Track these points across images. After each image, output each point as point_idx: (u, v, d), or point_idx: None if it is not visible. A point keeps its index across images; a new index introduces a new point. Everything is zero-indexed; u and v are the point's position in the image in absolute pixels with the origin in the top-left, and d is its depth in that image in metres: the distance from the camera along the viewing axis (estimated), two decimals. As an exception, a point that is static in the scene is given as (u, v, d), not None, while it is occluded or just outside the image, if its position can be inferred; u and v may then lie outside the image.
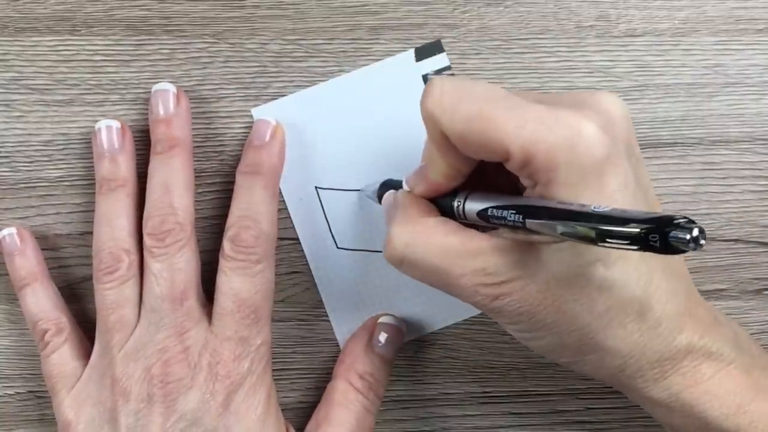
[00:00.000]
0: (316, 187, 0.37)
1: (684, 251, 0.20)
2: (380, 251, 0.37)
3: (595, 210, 0.23)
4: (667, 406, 0.29)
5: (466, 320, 0.38)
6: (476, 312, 0.38)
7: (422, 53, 0.37)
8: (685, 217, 0.20)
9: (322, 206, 0.37)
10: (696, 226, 0.20)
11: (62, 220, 0.37)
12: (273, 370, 0.36)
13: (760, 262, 0.38)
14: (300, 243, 0.37)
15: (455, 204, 0.29)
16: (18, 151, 0.37)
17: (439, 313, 0.38)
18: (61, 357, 0.35)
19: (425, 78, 0.37)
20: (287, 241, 0.37)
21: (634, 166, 0.27)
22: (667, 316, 0.28)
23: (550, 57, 0.37)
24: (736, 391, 0.29)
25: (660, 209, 0.29)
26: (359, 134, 0.37)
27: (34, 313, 0.35)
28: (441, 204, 0.30)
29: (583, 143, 0.25)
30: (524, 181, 0.27)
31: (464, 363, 0.38)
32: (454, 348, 0.38)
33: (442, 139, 0.27)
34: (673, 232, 0.20)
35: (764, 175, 0.37)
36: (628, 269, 0.27)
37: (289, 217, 0.37)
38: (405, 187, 0.31)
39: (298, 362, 0.38)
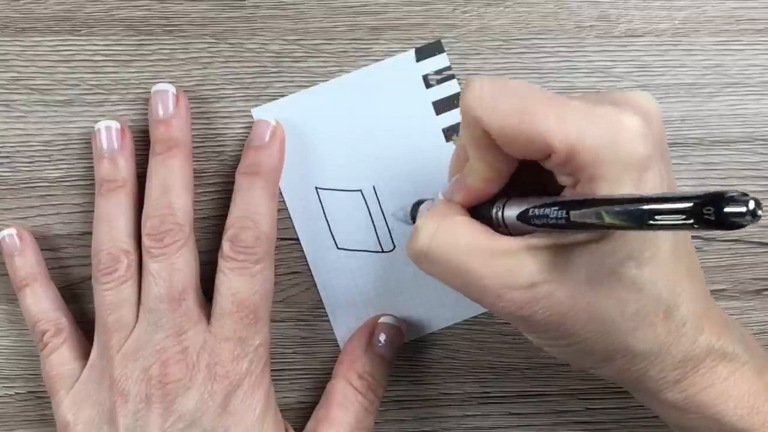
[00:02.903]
0: (316, 187, 0.37)
1: (741, 226, 0.19)
2: (380, 251, 0.37)
3: (644, 195, 0.22)
4: (682, 408, 0.29)
5: (466, 320, 0.38)
6: (476, 312, 0.38)
7: (422, 53, 0.37)
8: (738, 191, 0.20)
9: (322, 206, 0.37)
10: (751, 198, 0.19)
11: (62, 220, 0.37)
12: (273, 370, 0.36)
13: (760, 262, 0.38)
14: (300, 243, 0.37)
15: (494, 210, 0.28)
16: (18, 152, 0.37)
17: (440, 313, 0.38)
18: (60, 357, 0.35)
19: (425, 78, 0.37)
20: (287, 241, 0.37)
21: (666, 164, 0.27)
22: (691, 316, 0.28)
23: (550, 57, 0.37)
24: (750, 392, 0.29)
25: None
26: (359, 134, 0.37)
27: (34, 313, 0.35)
28: (479, 214, 0.29)
29: (626, 138, 0.24)
30: (563, 180, 0.26)
31: (464, 363, 0.38)
32: (454, 348, 0.38)
33: (482, 138, 0.26)
34: (729, 206, 0.19)
35: (764, 175, 0.37)
36: (659, 269, 0.26)
37: (289, 217, 0.37)
38: (441, 197, 0.30)
39: (298, 362, 0.38)
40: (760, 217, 0.19)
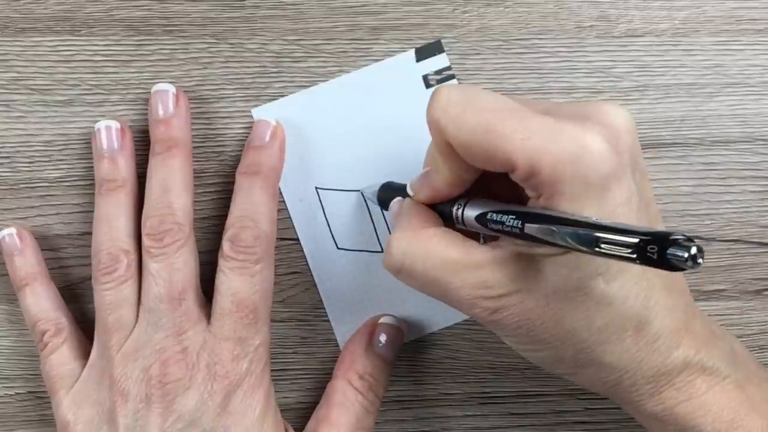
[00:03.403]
0: (316, 187, 0.37)
1: (681, 269, 0.20)
2: (380, 251, 0.37)
3: (596, 221, 0.23)
4: (662, 420, 0.29)
5: (466, 320, 0.38)
6: (476, 312, 0.38)
7: (422, 53, 0.37)
8: (684, 235, 0.20)
9: (322, 206, 0.37)
10: (694, 245, 0.20)
11: (62, 220, 0.37)
12: (273, 370, 0.36)
13: (760, 262, 0.38)
14: (300, 243, 0.37)
15: (454, 209, 0.29)
16: (18, 152, 0.37)
17: (439, 313, 0.38)
18: (60, 357, 0.35)
19: (425, 78, 0.37)
20: (287, 241, 0.37)
21: (638, 180, 0.27)
22: (665, 331, 0.28)
23: (550, 57, 0.37)
24: (730, 406, 0.29)
25: (661, 224, 0.29)
26: (359, 134, 0.37)
27: (34, 313, 0.35)
28: (440, 209, 0.30)
29: (589, 158, 0.24)
30: (528, 192, 0.26)
31: (464, 363, 0.38)
32: (454, 348, 0.38)
33: (447, 147, 0.27)
34: (672, 248, 0.20)
35: (764, 175, 0.37)
36: (629, 284, 0.26)
37: (289, 217, 0.37)
38: (409, 191, 0.31)
39: (298, 362, 0.38)
40: (700, 263, 0.20)
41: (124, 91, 0.36)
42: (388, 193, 0.34)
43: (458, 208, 0.29)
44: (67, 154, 0.37)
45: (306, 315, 0.38)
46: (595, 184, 0.25)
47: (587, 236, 0.22)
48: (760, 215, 0.38)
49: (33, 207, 0.37)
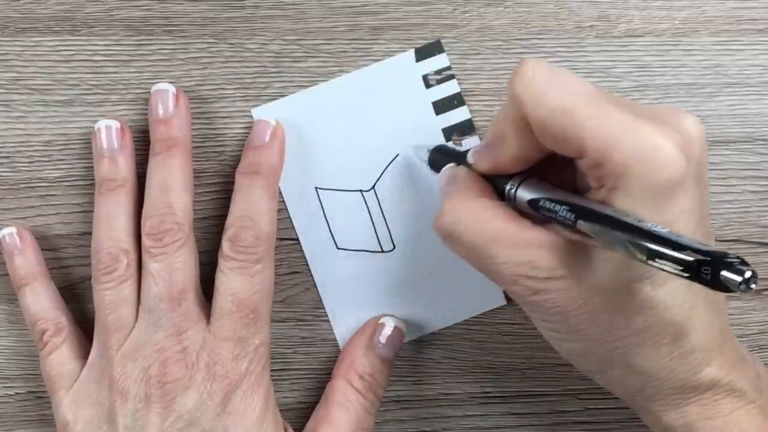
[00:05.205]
0: (316, 187, 0.37)
1: (732, 291, 0.20)
2: (380, 251, 0.37)
3: (652, 228, 0.22)
4: None
5: (466, 320, 0.38)
6: (476, 312, 0.38)
7: (422, 53, 0.37)
8: (739, 258, 0.20)
9: (322, 206, 0.37)
10: (749, 269, 0.20)
11: (62, 220, 0.37)
12: (273, 370, 0.36)
13: (760, 262, 0.38)
14: (300, 243, 0.37)
15: (507, 187, 0.29)
16: (18, 152, 0.37)
17: (439, 313, 0.38)
18: (59, 357, 0.35)
19: (425, 78, 0.37)
20: (287, 241, 0.37)
21: (700, 192, 0.26)
22: (700, 346, 0.28)
23: (550, 57, 0.37)
24: (751, 431, 0.29)
25: (713, 241, 0.29)
26: (359, 134, 0.37)
27: (34, 312, 0.35)
28: (493, 183, 0.29)
29: (660, 160, 0.24)
30: (590, 182, 0.26)
31: (464, 363, 0.38)
32: (454, 348, 0.38)
33: (521, 122, 0.26)
34: (726, 270, 0.20)
35: (764, 175, 0.37)
36: (675, 293, 0.26)
37: (289, 217, 0.37)
38: (470, 159, 0.30)
39: (298, 362, 0.38)
40: (752, 289, 0.20)
41: (124, 91, 0.36)
42: (441, 156, 0.34)
43: (511, 188, 0.28)
44: (67, 154, 0.37)
45: (306, 315, 0.38)
46: (660, 187, 0.24)
47: (641, 247, 0.22)
48: (760, 215, 0.38)
49: (33, 207, 0.37)
